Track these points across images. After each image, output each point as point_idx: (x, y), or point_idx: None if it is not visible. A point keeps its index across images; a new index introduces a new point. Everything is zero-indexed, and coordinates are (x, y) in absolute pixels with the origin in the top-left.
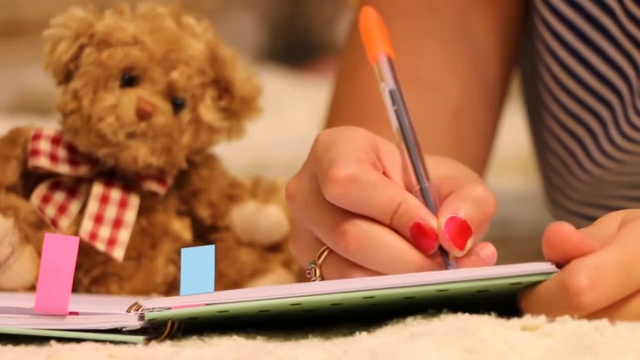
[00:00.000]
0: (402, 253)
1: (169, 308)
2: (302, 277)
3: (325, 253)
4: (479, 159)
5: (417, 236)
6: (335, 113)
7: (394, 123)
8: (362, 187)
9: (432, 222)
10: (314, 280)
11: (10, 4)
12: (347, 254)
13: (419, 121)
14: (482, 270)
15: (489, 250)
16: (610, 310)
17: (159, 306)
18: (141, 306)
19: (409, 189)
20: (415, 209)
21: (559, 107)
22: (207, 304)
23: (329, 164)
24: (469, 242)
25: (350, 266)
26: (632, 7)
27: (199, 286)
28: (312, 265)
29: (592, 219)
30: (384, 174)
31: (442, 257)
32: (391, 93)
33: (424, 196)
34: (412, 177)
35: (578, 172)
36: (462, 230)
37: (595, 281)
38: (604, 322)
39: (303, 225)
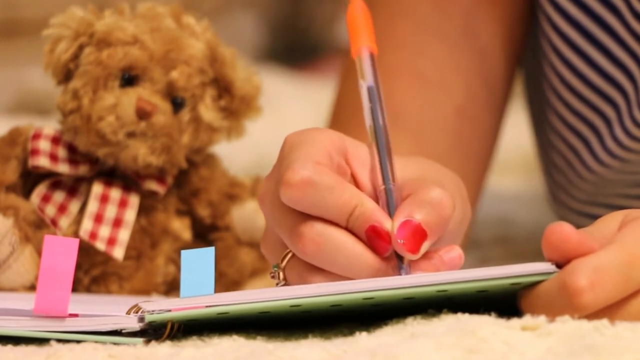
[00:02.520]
0: (359, 255)
1: (169, 310)
2: None
3: (289, 256)
4: (482, 158)
5: (372, 239)
6: (337, 113)
7: (368, 121)
8: (318, 189)
9: (387, 224)
10: (277, 284)
11: (10, 4)
12: (305, 257)
13: (422, 119)
14: (482, 270)
15: (455, 252)
16: (610, 310)
17: (159, 308)
18: (141, 308)
19: (376, 190)
20: (371, 212)
21: (563, 105)
22: (207, 306)
23: (286, 167)
24: (424, 246)
25: (310, 270)
26: (638, 6)
27: (199, 288)
28: (276, 269)
29: (595, 218)
30: (352, 175)
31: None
32: (369, 90)
33: (387, 197)
34: (378, 177)
35: (582, 170)
36: (416, 233)
37: (595, 282)
38: (604, 322)
39: (271, 227)
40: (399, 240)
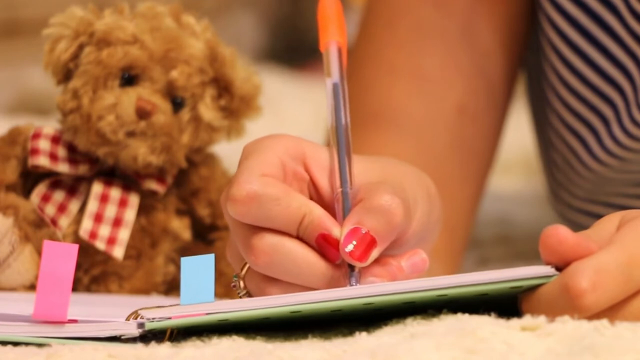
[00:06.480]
0: (311, 264)
1: (169, 318)
2: None
3: (247, 266)
4: (483, 157)
5: (323, 246)
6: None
7: (330, 120)
8: (263, 202)
9: (336, 232)
10: (239, 293)
11: (10, 4)
12: (258, 268)
13: (422, 118)
14: (482, 274)
15: (418, 257)
16: (610, 310)
17: (160, 316)
18: (140, 315)
19: (334, 193)
20: (319, 220)
21: (562, 104)
22: (207, 314)
23: (233, 180)
24: (373, 253)
25: (266, 280)
26: (637, 6)
27: (199, 295)
28: (236, 278)
29: (595, 216)
30: (312, 180)
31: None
32: (334, 87)
33: (343, 200)
34: (337, 180)
35: (581, 169)
36: (364, 241)
37: (597, 283)
38: (604, 323)
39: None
40: (345, 249)
